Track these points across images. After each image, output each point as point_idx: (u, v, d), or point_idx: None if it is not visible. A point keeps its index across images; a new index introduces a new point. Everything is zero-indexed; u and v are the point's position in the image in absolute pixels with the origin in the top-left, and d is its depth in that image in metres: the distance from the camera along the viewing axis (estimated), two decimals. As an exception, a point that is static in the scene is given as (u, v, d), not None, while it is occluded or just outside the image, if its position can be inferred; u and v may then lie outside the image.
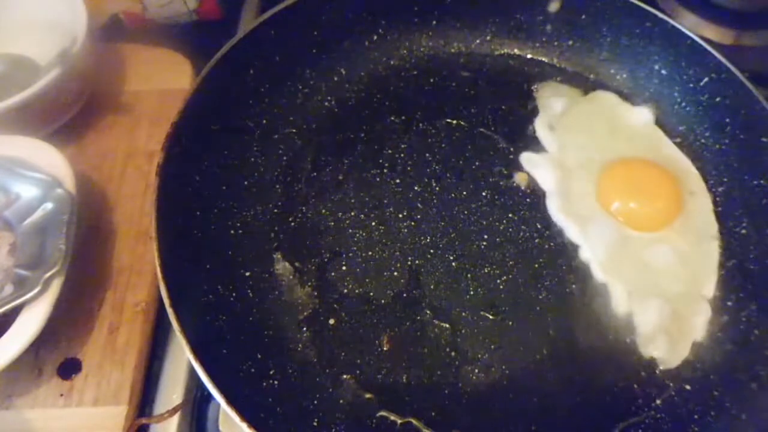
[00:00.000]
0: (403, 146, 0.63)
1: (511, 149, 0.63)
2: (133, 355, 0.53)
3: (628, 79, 0.67)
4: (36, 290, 0.47)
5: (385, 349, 0.52)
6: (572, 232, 0.58)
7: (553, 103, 0.65)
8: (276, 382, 0.49)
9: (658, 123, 0.64)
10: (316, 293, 0.54)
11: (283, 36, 0.62)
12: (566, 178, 0.60)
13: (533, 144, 0.63)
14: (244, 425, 0.41)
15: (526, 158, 0.62)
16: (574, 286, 0.55)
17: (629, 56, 0.66)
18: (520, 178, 0.61)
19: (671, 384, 0.51)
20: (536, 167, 0.62)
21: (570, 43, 0.68)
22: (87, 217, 0.58)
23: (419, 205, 0.59)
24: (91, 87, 0.66)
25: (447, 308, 0.54)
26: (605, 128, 0.64)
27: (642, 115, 0.65)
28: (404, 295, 0.54)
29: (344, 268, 0.55)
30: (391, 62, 0.68)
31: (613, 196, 0.59)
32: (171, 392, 0.53)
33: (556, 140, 0.63)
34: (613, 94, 0.66)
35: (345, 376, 0.50)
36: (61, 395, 0.51)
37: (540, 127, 0.64)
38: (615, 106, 0.66)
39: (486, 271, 0.56)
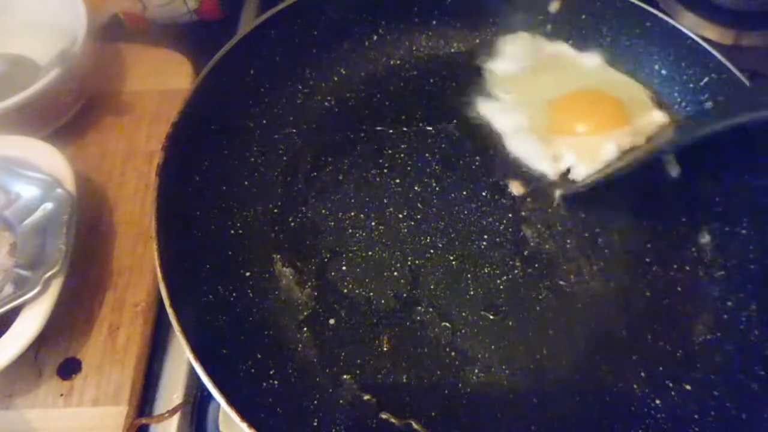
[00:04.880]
0: (403, 146, 0.63)
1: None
2: (133, 355, 0.53)
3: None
4: (36, 290, 0.47)
5: (385, 349, 0.52)
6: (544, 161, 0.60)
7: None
8: (276, 382, 0.49)
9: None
10: (316, 293, 0.54)
11: (283, 36, 0.62)
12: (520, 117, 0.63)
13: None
14: (244, 425, 0.41)
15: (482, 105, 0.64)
16: (574, 286, 0.55)
17: (629, 56, 0.66)
18: (515, 186, 0.60)
19: (671, 384, 0.51)
20: (493, 113, 0.64)
21: (570, 43, 0.68)
22: (87, 217, 0.58)
23: (419, 205, 0.59)
24: (91, 87, 0.66)
25: (447, 308, 0.54)
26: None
27: (592, 59, 0.66)
28: (404, 295, 0.54)
29: (344, 268, 0.55)
30: (391, 62, 0.68)
31: (563, 120, 0.61)
32: (171, 392, 0.53)
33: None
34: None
35: (345, 377, 0.50)
36: (61, 395, 0.51)
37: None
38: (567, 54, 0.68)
39: (486, 271, 0.56)
